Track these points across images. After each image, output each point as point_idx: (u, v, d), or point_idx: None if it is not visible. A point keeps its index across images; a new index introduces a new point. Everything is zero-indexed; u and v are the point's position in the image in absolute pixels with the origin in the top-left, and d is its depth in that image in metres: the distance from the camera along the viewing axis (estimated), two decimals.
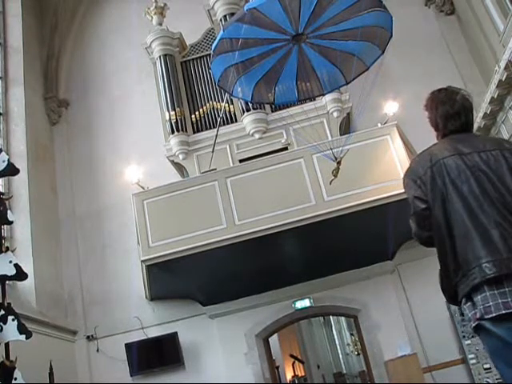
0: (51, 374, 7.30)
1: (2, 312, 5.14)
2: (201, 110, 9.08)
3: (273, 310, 8.51)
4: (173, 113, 8.89)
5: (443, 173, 2.35)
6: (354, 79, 5.83)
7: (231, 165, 8.43)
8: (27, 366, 5.57)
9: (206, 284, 8.11)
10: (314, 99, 8.04)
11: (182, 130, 8.86)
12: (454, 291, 2.32)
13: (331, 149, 6.02)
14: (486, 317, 2.14)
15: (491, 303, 2.15)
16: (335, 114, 8.58)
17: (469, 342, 7.65)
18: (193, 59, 9.52)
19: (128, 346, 8.38)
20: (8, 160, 5.70)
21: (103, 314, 9.00)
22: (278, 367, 10.66)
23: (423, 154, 2.50)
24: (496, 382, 7.38)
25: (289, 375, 12.91)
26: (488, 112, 7.66)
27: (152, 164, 9.11)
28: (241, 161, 8.53)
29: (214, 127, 8.52)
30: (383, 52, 5.51)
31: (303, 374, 13.56)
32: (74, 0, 11.11)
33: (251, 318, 8.45)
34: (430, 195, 2.36)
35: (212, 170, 7.94)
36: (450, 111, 2.51)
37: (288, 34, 5.23)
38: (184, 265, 7.34)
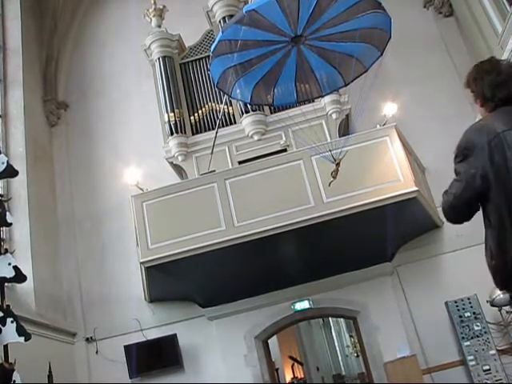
0: (50, 376, 7.28)
1: (1, 314, 5.13)
2: (200, 111, 9.09)
3: (272, 312, 8.50)
4: (172, 114, 8.90)
5: (504, 147, 2.21)
6: (352, 81, 5.83)
7: (230, 166, 8.44)
8: (26, 367, 5.56)
9: (205, 286, 8.11)
10: (313, 101, 8.03)
11: (181, 131, 8.87)
12: (508, 273, 2.21)
13: (330, 150, 6.01)
14: None
15: None
16: (334, 116, 8.59)
17: (468, 343, 7.62)
18: (192, 61, 9.53)
19: (127, 348, 8.37)
20: (7, 162, 5.70)
21: (102, 316, 8.98)
22: (277, 369, 10.63)
23: (477, 126, 2.36)
24: (495, 383, 7.38)
25: (288, 377, 12.85)
26: None
27: (151, 166, 9.11)
28: (240, 162, 8.54)
29: (213, 129, 8.51)
30: (382, 53, 5.51)
31: (302, 376, 13.51)
32: (73, 2, 11.12)
33: (250, 319, 8.44)
34: (490, 171, 2.22)
35: (211, 171, 7.94)
36: (497, 79, 2.42)
37: (287, 35, 5.22)
38: (183, 266, 7.34)
